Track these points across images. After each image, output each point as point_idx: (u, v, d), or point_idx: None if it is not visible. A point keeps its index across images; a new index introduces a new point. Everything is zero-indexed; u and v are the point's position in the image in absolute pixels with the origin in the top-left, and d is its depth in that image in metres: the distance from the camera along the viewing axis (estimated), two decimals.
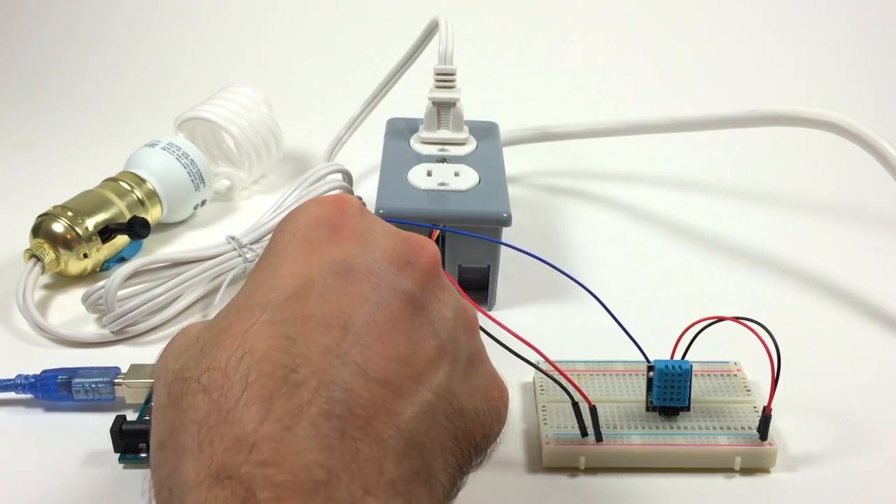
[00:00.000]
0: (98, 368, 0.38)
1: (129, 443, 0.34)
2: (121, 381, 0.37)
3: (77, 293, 0.46)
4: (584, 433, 0.35)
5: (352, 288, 0.25)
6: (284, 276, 0.25)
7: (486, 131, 0.53)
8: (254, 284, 0.26)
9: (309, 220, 0.27)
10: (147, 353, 0.42)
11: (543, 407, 0.37)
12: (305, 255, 0.26)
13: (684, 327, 0.35)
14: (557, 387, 0.34)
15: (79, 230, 0.46)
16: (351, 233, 0.27)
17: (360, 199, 0.28)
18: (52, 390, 0.37)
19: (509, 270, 0.48)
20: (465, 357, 0.27)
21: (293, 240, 0.27)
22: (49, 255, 0.46)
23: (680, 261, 0.52)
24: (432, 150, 0.50)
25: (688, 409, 0.36)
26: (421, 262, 0.27)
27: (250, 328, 0.23)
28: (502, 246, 0.43)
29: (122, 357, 0.42)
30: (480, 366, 0.28)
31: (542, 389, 0.38)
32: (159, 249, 0.52)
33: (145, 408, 0.37)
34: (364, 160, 0.61)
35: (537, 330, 0.36)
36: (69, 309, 0.45)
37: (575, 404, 0.34)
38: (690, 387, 0.35)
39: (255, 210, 0.55)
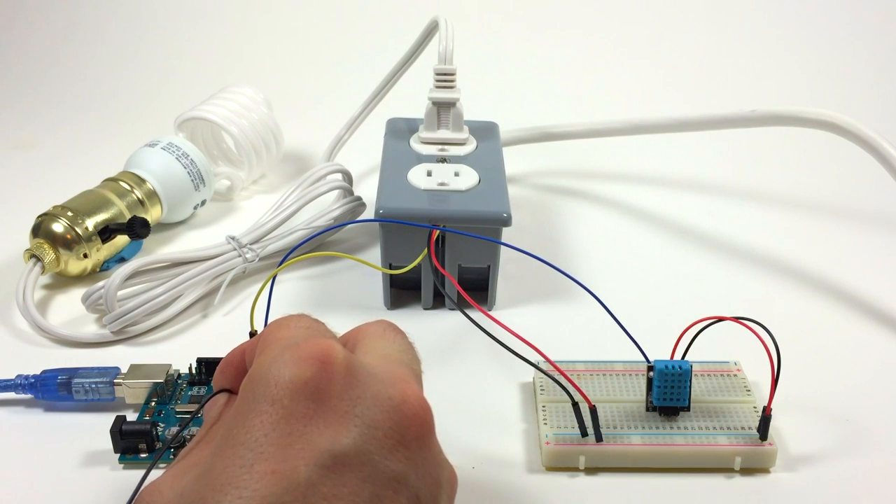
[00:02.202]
0: (98, 368, 0.38)
1: (129, 443, 0.34)
2: (120, 381, 0.37)
3: (77, 293, 0.46)
4: (584, 433, 0.35)
5: (340, 485, 0.23)
6: (263, 473, 0.22)
7: (486, 131, 0.53)
8: (224, 470, 0.23)
9: (288, 386, 0.24)
10: (147, 353, 0.42)
11: (543, 407, 0.36)
12: (287, 443, 0.23)
13: (684, 327, 0.35)
14: (557, 387, 0.34)
15: (79, 230, 0.46)
16: (338, 403, 0.24)
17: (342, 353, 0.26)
18: (52, 390, 0.37)
19: (509, 270, 0.48)
20: None
21: (271, 416, 0.23)
22: (49, 255, 0.46)
23: (680, 261, 0.52)
24: (432, 150, 0.50)
25: (688, 409, 0.36)
26: (414, 438, 0.24)
27: None
28: (502, 246, 0.43)
29: (121, 357, 0.42)
30: None
31: (542, 389, 0.37)
32: (159, 249, 0.52)
33: (145, 408, 0.37)
34: (364, 160, 0.61)
35: (537, 330, 0.36)
36: (69, 309, 0.45)
37: (575, 404, 0.34)
38: (690, 387, 0.35)
39: (255, 210, 0.55)
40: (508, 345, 0.35)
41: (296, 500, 0.22)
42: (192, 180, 0.53)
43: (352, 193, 0.52)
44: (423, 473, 0.25)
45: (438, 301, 0.46)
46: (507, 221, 0.43)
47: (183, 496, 0.23)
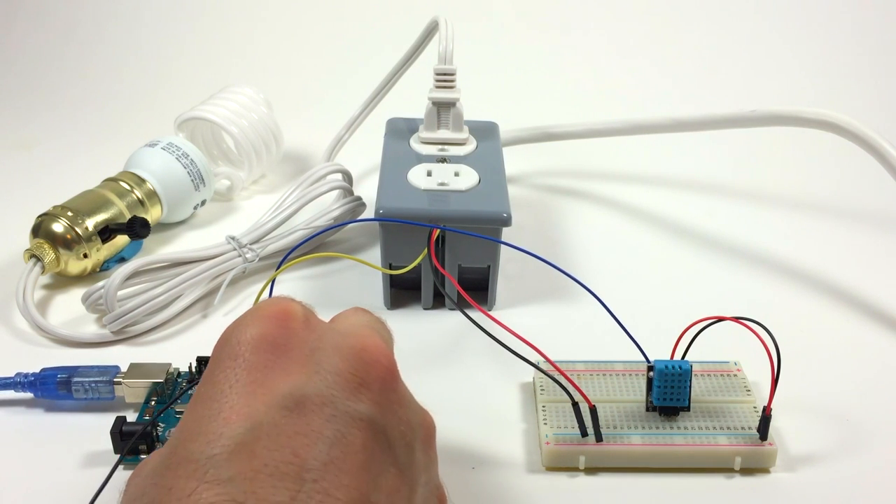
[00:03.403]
0: (97, 367, 0.38)
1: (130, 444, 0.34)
2: (120, 380, 0.37)
3: (77, 293, 0.46)
4: (584, 433, 0.35)
5: (304, 424, 0.23)
6: (229, 418, 0.23)
7: (486, 131, 0.53)
8: (194, 424, 0.23)
9: (250, 342, 0.25)
10: (147, 353, 0.42)
11: (543, 407, 0.36)
12: (250, 391, 0.24)
13: (684, 327, 0.35)
14: (557, 387, 0.34)
15: (79, 230, 0.46)
16: (298, 354, 0.25)
17: (306, 308, 0.27)
18: (52, 389, 0.37)
19: (509, 270, 0.48)
20: (422, 478, 0.26)
21: (234, 370, 0.24)
22: (49, 255, 0.46)
23: (680, 260, 0.52)
24: (432, 150, 0.50)
25: (688, 409, 0.36)
26: (376, 380, 0.25)
27: (195, 491, 0.21)
28: (502, 246, 0.43)
29: (121, 357, 0.42)
30: (430, 479, 0.27)
31: (542, 389, 0.37)
32: (159, 249, 0.52)
33: (145, 408, 0.37)
34: (364, 160, 0.61)
35: (537, 330, 0.36)
36: (69, 309, 0.45)
37: (575, 404, 0.34)
38: (690, 387, 0.35)
39: (255, 210, 0.55)
40: (508, 345, 0.35)
41: (259, 438, 0.22)
42: (192, 180, 0.53)
43: (352, 193, 0.52)
44: (390, 414, 0.25)
45: (438, 301, 0.46)
46: (507, 221, 0.43)
47: (160, 454, 0.24)
